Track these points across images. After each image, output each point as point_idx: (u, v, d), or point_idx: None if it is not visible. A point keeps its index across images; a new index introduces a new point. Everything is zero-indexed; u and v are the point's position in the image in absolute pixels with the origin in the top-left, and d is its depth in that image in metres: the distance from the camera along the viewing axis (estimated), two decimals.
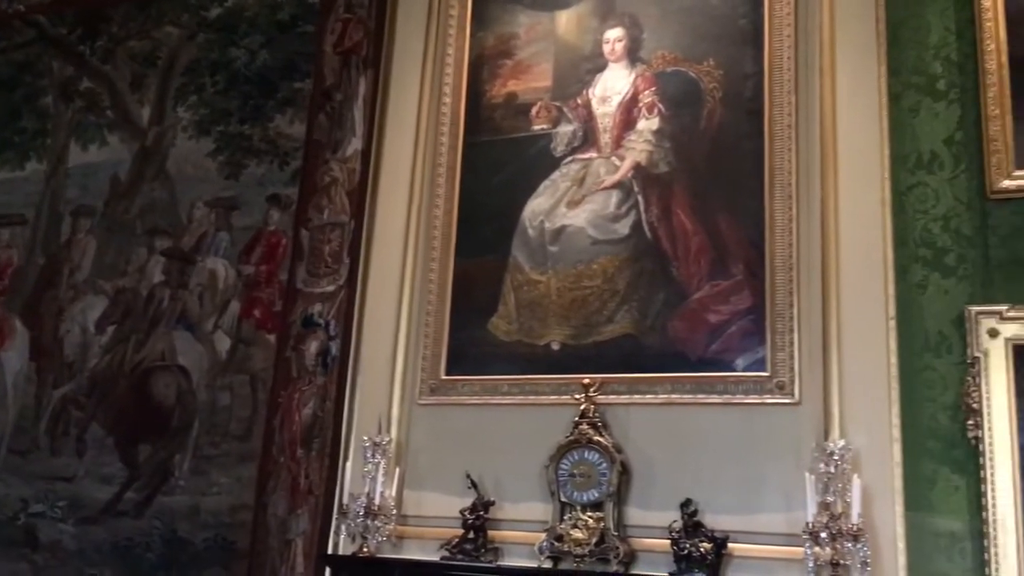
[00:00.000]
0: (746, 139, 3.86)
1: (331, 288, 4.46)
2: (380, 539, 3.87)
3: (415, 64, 4.60)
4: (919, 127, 3.69)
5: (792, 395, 3.57)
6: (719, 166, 3.89)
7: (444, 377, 4.12)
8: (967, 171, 3.59)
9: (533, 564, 3.64)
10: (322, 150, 4.66)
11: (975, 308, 3.40)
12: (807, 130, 3.79)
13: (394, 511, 3.91)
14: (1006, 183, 3.48)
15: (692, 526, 3.46)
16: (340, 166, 4.60)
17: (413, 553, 3.93)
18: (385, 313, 4.32)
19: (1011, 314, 3.35)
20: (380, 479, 3.91)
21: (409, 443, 4.11)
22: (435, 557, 3.82)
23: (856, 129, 3.71)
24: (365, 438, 4.01)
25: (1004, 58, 3.56)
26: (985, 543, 3.19)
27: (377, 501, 3.87)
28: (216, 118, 5.07)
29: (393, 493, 3.95)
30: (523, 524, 3.77)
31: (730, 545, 3.44)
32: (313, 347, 4.40)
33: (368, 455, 3.95)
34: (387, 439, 4.00)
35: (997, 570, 3.15)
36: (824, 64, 3.80)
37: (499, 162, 4.27)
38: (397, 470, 4.00)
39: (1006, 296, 3.40)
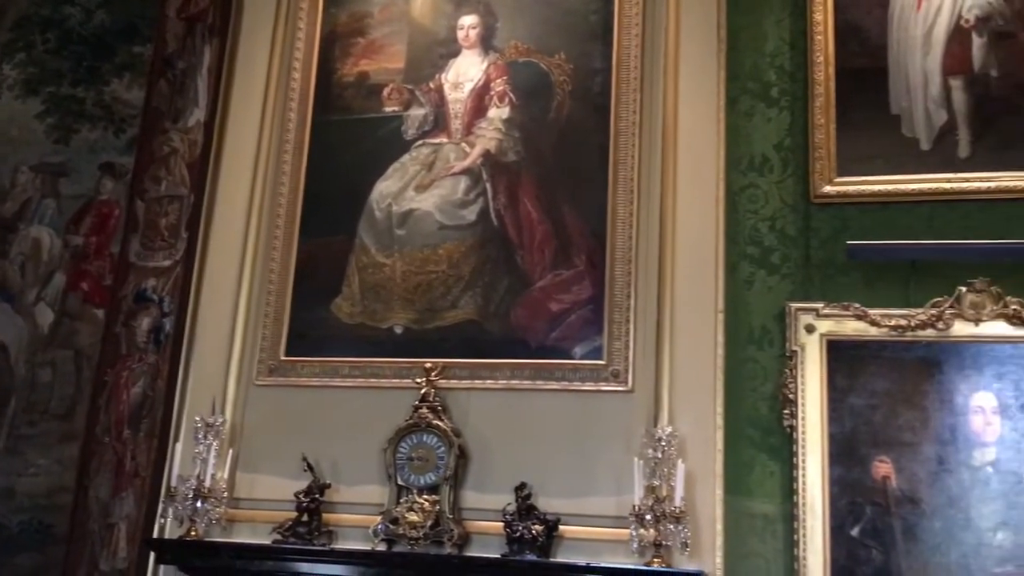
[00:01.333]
0: (593, 133, 3.96)
1: (167, 263, 4.28)
2: (209, 522, 3.76)
3: (264, 36, 4.47)
4: (753, 131, 3.89)
5: (626, 383, 3.69)
6: (566, 158, 3.97)
7: (284, 358, 4.03)
8: (794, 175, 3.81)
9: (367, 547, 3.63)
10: (161, 119, 4.46)
11: (795, 304, 3.62)
12: (650, 127, 3.91)
13: (225, 494, 3.81)
14: (828, 188, 3.71)
15: (525, 509, 3.53)
16: (181, 136, 4.41)
17: (244, 536, 3.83)
18: (224, 291, 4.19)
19: (826, 311, 3.58)
20: (212, 461, 3.79)
21: (244, 425, 4.00)
22: (267, 540, 3.75)
23: (695, 129, 3.87)
24: (197, 419, 3.89)
25: (832, 70, 3.79)
26: (795, 525, 3.40)
27: (207, 483, 3.75)
28: (46, 78, 4.78)
29: (225, 475, 3.84)
30: (359, 507, 3.75)
31: (561, 527, 3.53)
32: (145, 323, 4.21)
33: (200, 436, 3.83)
34: (221, 420, 3.89)
35: (805, 549, 3.36)
36: (668, 64, 3.94)
37: (348, 142, 4.21)
38: (230, 452, 3.89)
39: (823, 294, 3.63)
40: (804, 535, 3.37)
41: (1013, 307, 3.41)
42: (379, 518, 3.65)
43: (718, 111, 3.87)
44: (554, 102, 4.03)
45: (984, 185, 3.55)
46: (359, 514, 3.73)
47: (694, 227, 3.78)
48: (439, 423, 3.70)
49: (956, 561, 3.26)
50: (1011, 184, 3.52)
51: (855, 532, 3.36)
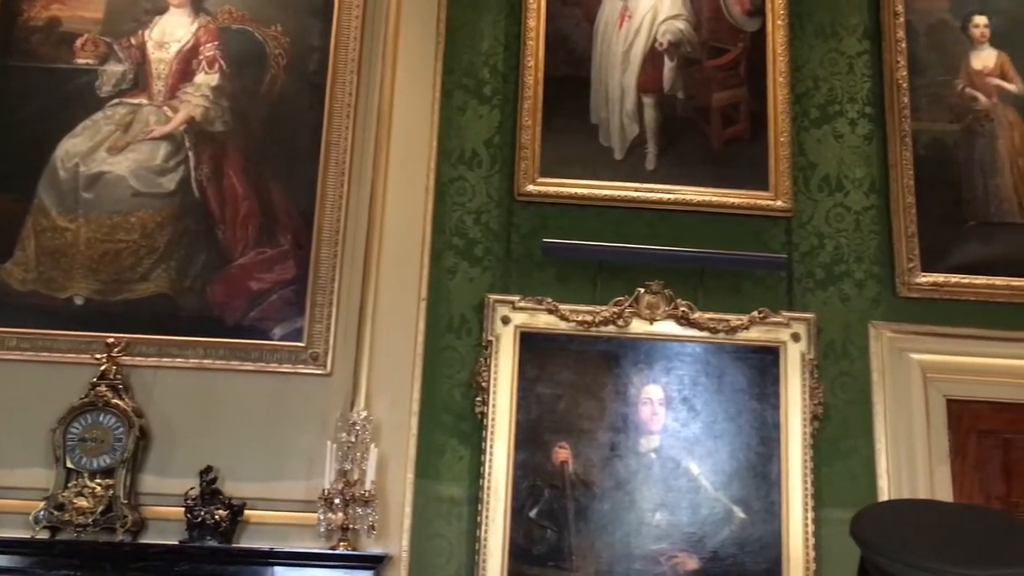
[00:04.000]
0: (306, 110, 3.88)
1: None
2: None
3: None
4: (465, 126, 3.99)
5: (325, 366, 3.65)
6: (277, 133, 3.86)
7: None
8: (500, 172, 3.95)
9: (27, 535, 3.31)
10: None
11: (494, 296, 3.76)
12: (366, 111, 3.90)
13: None
14: (531, 187, 3.88)
15: (210, 493, 3.39)
16: None
17: None
18: None
19: (522, 304, 3.75)
20: None
21: None
22: None
23: (410, 118, 3.91)
24: None
25: (541, 75, 3.97)
26: (479, 507, 3.53)
27: None
28: None
29: None
30: (20, 492, 3.42)
31: (247, 512, 3.43)
32: None
33: None
34: None
35: (486, 531, 3.50)
36: (387, 50, 3.95)
37: (31, 92, 3.82)
38: None
39: (519, 288, 3.80)
40: (487, 517, 3.51)
41: (682, 309, 3.75)
42: (42, 504, 3.35)
43: (433, 103, 3.94)
44: (267, 75, 3.90)
45: (666, 196, 3.88)
46: (19, 499, 3.40)
47: (403, 214, 3.82)
48: (119, 402, 3.46)
49: (620, 539, 3.54)
50: (688, 197, 3.87)
51: (533, 513, 3.55)
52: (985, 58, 4.03)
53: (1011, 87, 4.00)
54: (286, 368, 3.64)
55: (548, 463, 3.61)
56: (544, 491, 3.58)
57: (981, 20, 4.05)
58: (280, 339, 3.66)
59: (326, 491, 3.34)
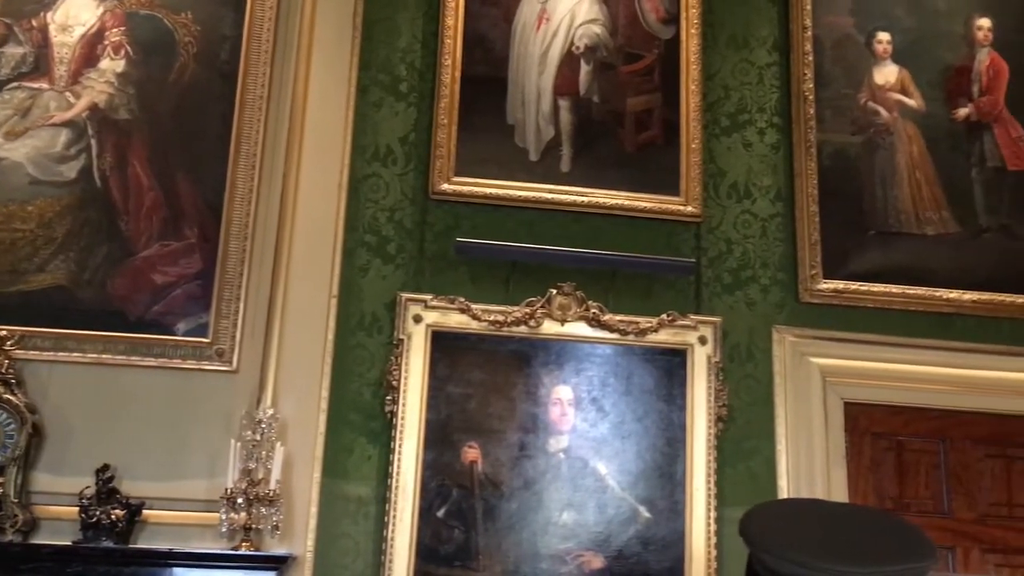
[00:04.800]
0: (217, 101, 3.79)
1: None
2: None
3: None
4: (380, 122, 3.95)
5: (230, 363, 3.58)
6: (185, 124, 3.76)
7: None
8: (415, 170, 3.93)
9: None
10: None
11: (406, 295, 3.74)
12: (279, 104, 3.84)
13: None
14: (445, 186, 3.87)
15: (107, 493, 3.29)
16: None
17: None
18: None
19: (434, 303, 3.73)
20: None
21: None
22: None
23: (324, 112, 3.86)
24: None
25: (458, 74, 3.96)
26: (387, 507, 3.50)
27: None
28: None
29: None
30: None
31: (146, 512, 3.34)
32: None
33: None
34: None
35: (393, 530, 3.47)
36: (302, 43, 3.89)
37: None
38: None
39: (432, 287, 3.78)
40: (394, 517, 3.49)
41: (593, 310, 3.79)
42: None
43: (348, 98, 3.89)
44: (177, 63, 3.80)
45: (579, 199, 3.91)
46: None
47: (315, 210, 3.77)
48: (11, 397, 3.32)
49: (527, 539, 3.56)
50: (601, 200, 3.91)
51: (441, 513, 3.54)
52: (887, 73, 4.17)
53: (911, 102, 4.15)
54: (190, 364, 3.56)
55: (457, 463, 3.61)
56: (452, 491, 3.58)
57: (884, 36, 4.20)
58: (184, 334, 3.57)
59: (229, 490, 3.27)
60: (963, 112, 4.16)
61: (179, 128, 3.75)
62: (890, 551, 1.26)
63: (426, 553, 3.49)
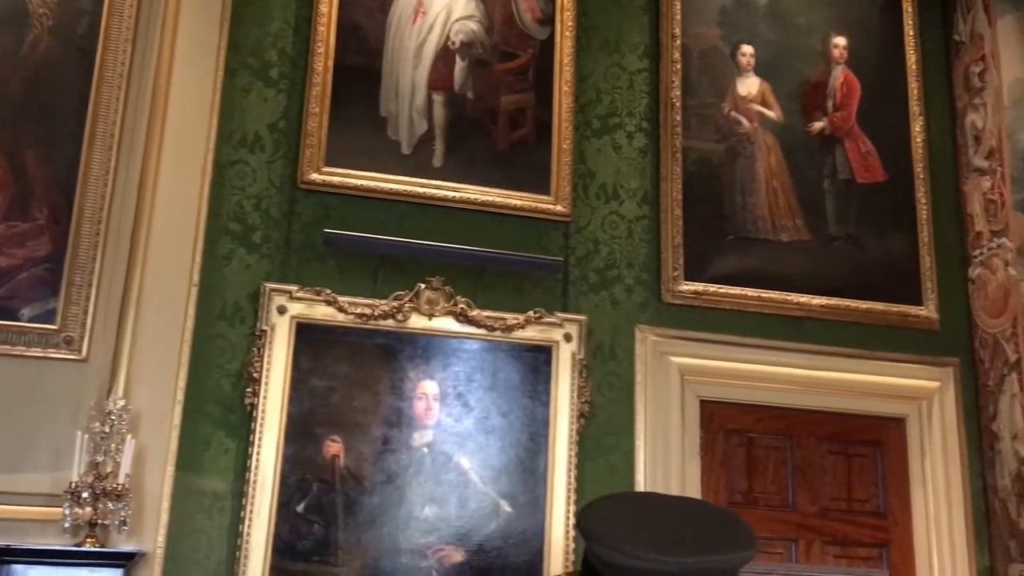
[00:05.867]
0: (73, 78, 3.61)
1: None
2: None
3: None
4: (248, 107, 3.85)
5: (79, 351, 3.42)
6: (37, 99, 3.57)
7: None
8: (284, 158, 3.85)
9: None
10: None
11: (270, 285, 3.66)
12: (140, 83, 3.69)
13: None
14: (315, 176, 3.80)
15: None
16: None
17: None
18: None
19: (300, 294, 3.67)
20: None
21: None
22: None
23: (189, 95, 3.73)
24: None
25: (331, 63, 3.90)
26: (244, 502, 3.42)
27: None
28: None
29: None
30: None
31: None
32: None
33: None
34: None
35: (250, 526, 3.40)
36: (167, 22, 3.75)
37: None
38: None
39: (299, 278, 3.72)
40: (251, 512, 3.41)
41: (461, 306, 3.80)
42: None
43: (215, 81, 3.78)
44: (30, 35, 3.60)
45: (451, 194, 3.91)
46: None
47: (177, 195, 3.65)
48: None
49: (388, 533, 3.54)
50: (472, 196, 3.93)
51: (301, 508, 3.49)
52: (749, 85, 4.34)
53: (771, 114, 4.33)
54: (35, 352, 3.38)
55: (319, 457, 3.56)
56: (313, 485, 3.53)
57: (748, 50, 4.37)
58: (29, 320, 3.40)
59: (73, 484, 3.13)
60: (818, 126, 4.37)
61: (30, 103, 3.55)
62: (716, 542, 1.31)
63: (283, 548, 3.42)
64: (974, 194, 4.40)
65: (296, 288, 3.67)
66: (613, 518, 1.37)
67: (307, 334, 3.66)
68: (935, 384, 4.21)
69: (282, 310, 3.65)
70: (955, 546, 4.02)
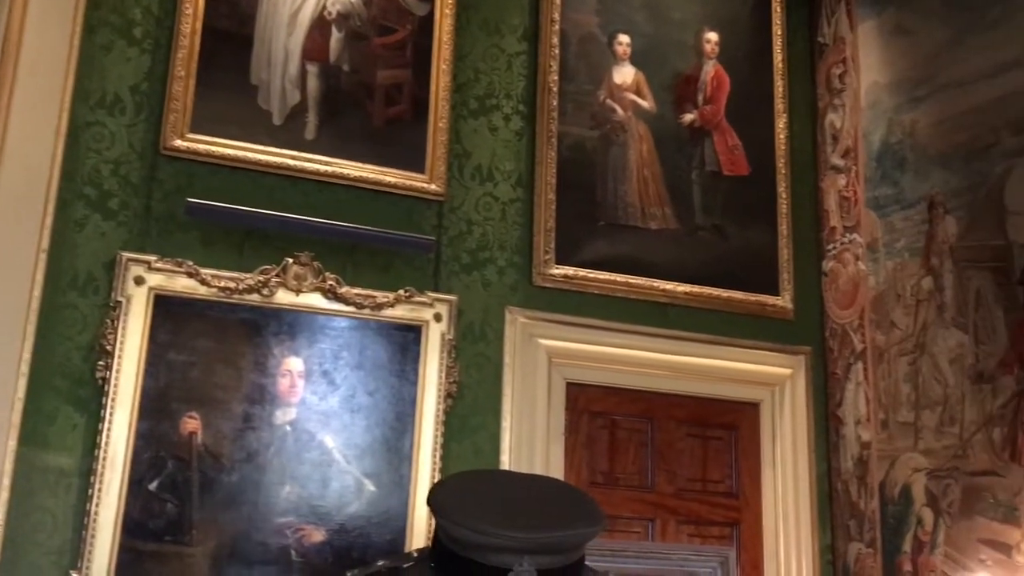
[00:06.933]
0: None
1: None
2: None
3: None
4: (109, 67, 3.66)
5: None
6: None
7: None
8: (146, 122, 3.68)
9: None
10: None
11: (127, 255, 3.50)
12: None
13: None
14: (179, 142, 3.65)
15: None
16: None
17: None
18: None
19: (159, 265, 3.52)
20: None
21: None
22: None
23: (42, 50, 3.51)
24: None
25: (199, 25, 3.74)
26: (92, 479, 3.28)
27: None
28: None
29: None
30: None
31: None
32: None
33: None
34: None
35: (98, 504, 3.26)
36: None
37: None
38: None
39: (159, 248, 3.57)
40: (100, 490, 3.27)
41: (330, 282, 3.74)
42: None
43: (72, 36, 3.57)
44: None
45: (323, 168, 3.83)
46: None
47: (27, 156, 3.43)
48: None
49: (246, 513, 3.46)
50: (345, 171, 3.86)
51: (154, 486, 3.37)
52: (625, 74, 4.42)
53: (644, 103, 4.42)
54: None
55: (175, 433, 3.44)
56: (168, 463, 3.41)
57: (624, 39, 4.44)
58: None
59: None
60: (688, 118, 4.49)
61: None
62: (562, 518, 1.34)
63: (133, 528, 3.30)
64: (830, 191, 4.61)
65: (155, 259, 3.53)
66: (461, 495, 1.38)
67: (166, 307, 3.52)
68: (788, 371, 4.40)
69: (140, 281, 3.50)
70: (800, 525, 4.23)
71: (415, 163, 3.98)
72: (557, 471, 3.91)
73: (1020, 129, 3.70)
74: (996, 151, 3.79)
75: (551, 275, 4.11)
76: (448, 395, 3.81)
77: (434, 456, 3.72)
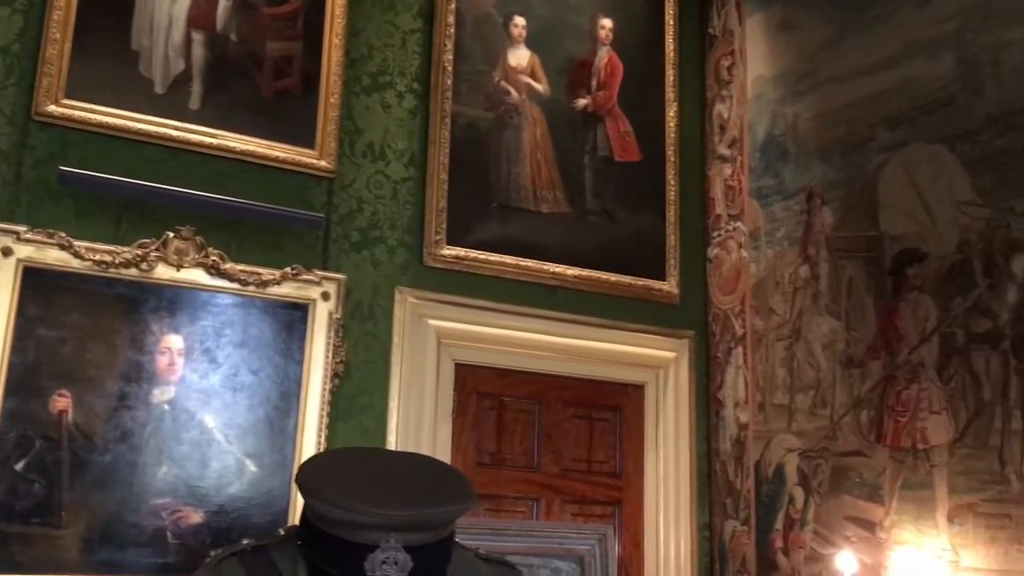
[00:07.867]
0: None
1: None
2: None
3: None
4: None
5: None
6: None
7: None
8: (17, 86, 3.50)
9: None
10: None
11: None
12: None
13: None
14: (52, 108, 3.48)
15: None
16: None
17: None
18: None
19: (29, 236, 3.36)
20: None
21: None
22: None
23: None
24: None
25: None
26: None
27: None
28: None
29: None
30: None
31: None
32: None
33: None
34: None
35: None
36: None
37: None
38: None
39: (28, 219, 3.41)
40: None
41: (213, 258, 3.63)
42: None
43: None
44: None
45: (207, 140, 3.72)
46: None
47: None
48: None
49: (120, 494, 3.35)
50: (231, 144, 3.75)
51: (20, 467, 3.22)
52: (520, 56, 4.43)
53: (539, 87, 4.44)
54: None
55: (44, 412, 3.30)
56: (36, 442, 3.27)
57: (520, 21, 4.45)
58: None
59: None
60: (582, 103, 4.53)
61: None
62: (431, 495, 1.34)
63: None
64: (716, 179, 4.74)
65: (25, 229, 3.36)
66: (329, 471, 1.36)
67: (36, 279, 3.37)
68: (672, 355, 4.51)
69: (7, 252, 3.33)
70: (680, 503, 4.36)
71: (305, 138, 3.90)
72: (444, 452, 3.91)
73: (895, 125, 3.86)
74: (872, 146, 3.95)
75: (442, 256, 4.09)
76: (335, 375, 3.76)
77: (319, 436, 3.67)
